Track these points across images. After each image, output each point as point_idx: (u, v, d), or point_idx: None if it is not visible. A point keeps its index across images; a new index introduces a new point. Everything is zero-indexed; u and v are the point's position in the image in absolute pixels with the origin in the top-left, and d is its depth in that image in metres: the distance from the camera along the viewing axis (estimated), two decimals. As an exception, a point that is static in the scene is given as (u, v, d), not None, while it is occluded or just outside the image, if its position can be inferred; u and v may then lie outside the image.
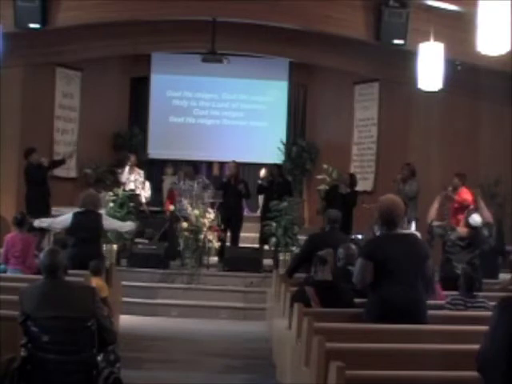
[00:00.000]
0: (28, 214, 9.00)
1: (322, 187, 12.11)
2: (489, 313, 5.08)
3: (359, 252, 5.39)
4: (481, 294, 5.84)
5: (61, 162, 11.30)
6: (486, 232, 8.05)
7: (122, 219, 10.07)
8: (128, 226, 8.88)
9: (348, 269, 6.13)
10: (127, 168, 11.87)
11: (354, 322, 5.01)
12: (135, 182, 11.74)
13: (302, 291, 5.69)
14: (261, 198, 12.36)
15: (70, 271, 6.37)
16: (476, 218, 7.84)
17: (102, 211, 10.01)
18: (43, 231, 9.35)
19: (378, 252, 4.97)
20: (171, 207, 11.23)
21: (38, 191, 10.45)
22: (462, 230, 7.92)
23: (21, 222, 7.73)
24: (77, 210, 8.04)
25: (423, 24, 9.62)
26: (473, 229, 7.85)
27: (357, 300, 5.74)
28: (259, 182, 12.08)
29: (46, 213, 10.00)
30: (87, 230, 7.75)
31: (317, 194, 12.57)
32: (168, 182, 13.09)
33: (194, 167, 12.40)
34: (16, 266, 7.48)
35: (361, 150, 13.45)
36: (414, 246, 5.08)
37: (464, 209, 9.64)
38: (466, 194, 9.87)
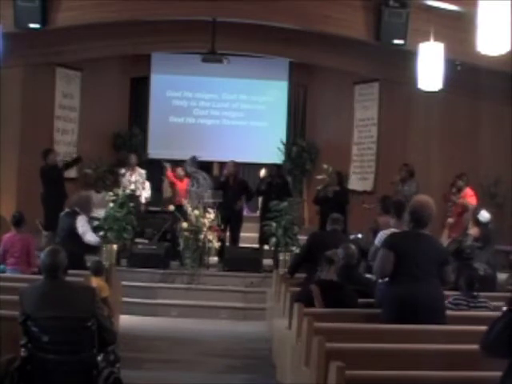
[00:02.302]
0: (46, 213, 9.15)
1: (322, 187, 12.10)
2: (491, 313, 5.09)
3: (382, 243, 5.39)
4: (482, 294, 5.84)
5: (77, 161, 11.39)
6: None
7: (122, 219, 10.06)
8: (93, 240, 8.08)
9: (349, 268, 6.12)
10: (128, 172, 11.87)
11: (357, 323, 5.01)
12: (136, 182, 11.73)
13: (307, 290, 5.70)
14: (260, 198, 12.34)
15: (70, 271, 6.37)
16: (485, 214, 7.80)
17: (101, 212, 10.09)
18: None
19: (401, 245, 5.04)
20: (171, 207, 11.21)
21: (54, 192, 10.46)
22: (473, 231, 7.83)
23: (19, 222, 7.72)
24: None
25: (423, 24, 9.61)
26: (483, 225, 7.80)
27: (360, 300, 5.74)
28: (258, 184, 12.05)
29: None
30: (62, 230, 7.92)
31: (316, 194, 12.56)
32: (168, 182, 13.05)
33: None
34: (15, 265, 7.48)
35: (361, 150, 13.43)
36: (435, 246, 5.15)
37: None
38: (470, 198, 9.77)
